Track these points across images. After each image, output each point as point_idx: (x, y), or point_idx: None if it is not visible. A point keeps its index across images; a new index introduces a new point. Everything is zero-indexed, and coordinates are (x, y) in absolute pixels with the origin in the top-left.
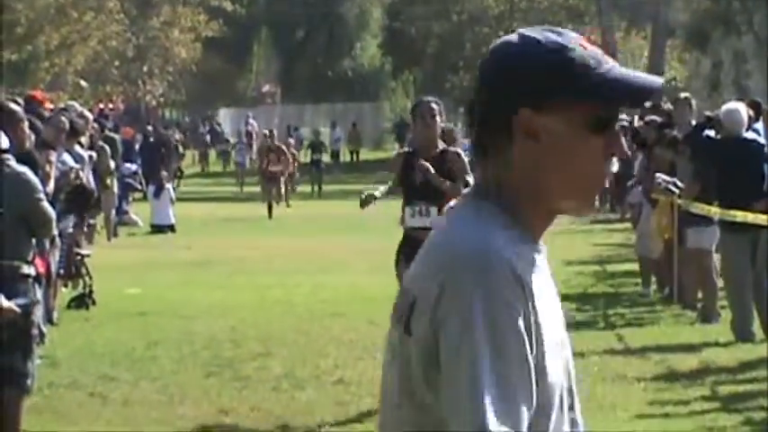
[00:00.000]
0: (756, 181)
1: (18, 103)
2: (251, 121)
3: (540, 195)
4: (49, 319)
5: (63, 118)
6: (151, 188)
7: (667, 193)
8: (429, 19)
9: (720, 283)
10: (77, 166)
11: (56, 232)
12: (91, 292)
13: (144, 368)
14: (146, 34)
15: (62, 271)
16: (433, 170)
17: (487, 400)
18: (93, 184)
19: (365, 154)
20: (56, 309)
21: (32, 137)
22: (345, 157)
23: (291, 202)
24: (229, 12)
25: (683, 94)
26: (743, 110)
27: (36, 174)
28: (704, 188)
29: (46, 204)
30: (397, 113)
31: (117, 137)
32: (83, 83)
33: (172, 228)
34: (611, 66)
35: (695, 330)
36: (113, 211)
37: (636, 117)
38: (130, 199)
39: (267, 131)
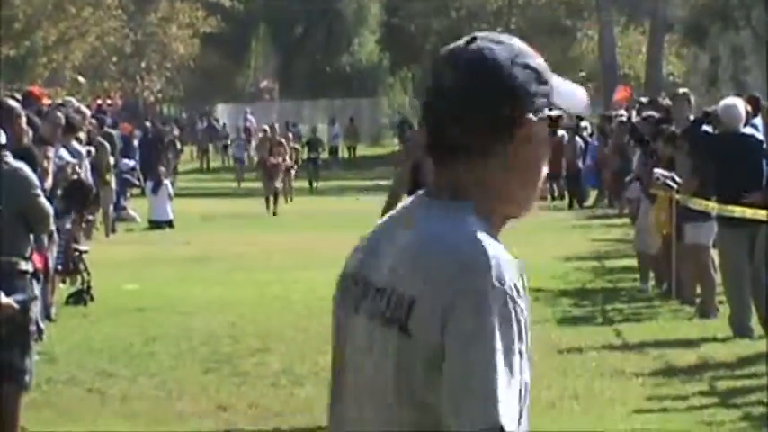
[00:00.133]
0: (754, 176)
1: (16, 99)
2: (249, 117)
3: (514, 198)
4: (47, 315)
5: (59, 113)
6: (149, 184)
7: (666, 189)
8: (427, 15)
9: (719, 278)
10: (74, 161)
11: (54, 228)
12: (89, 288)
13: (142, 364)
14: (143, 30)
15: (60, 267)
16: None
17: (502, 403)
18: (90, 180)
19: (362, 150)
20: (54, 305)
21: (30, 133)
22: (343, 153)
23: (289, 199)
24: (227, 8)
25: (681, 90)
26: (740, 105)
27: (35, 170)
28: (702, 183)
29: (43, 200)
30: (395, 110)
31: (115, 133)
32: (80, 79)
33: (170, 224)
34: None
35: (693, 326)
36: (111, 207)
37: (634, 113)
38: (128, 195)
39: (267, 127)
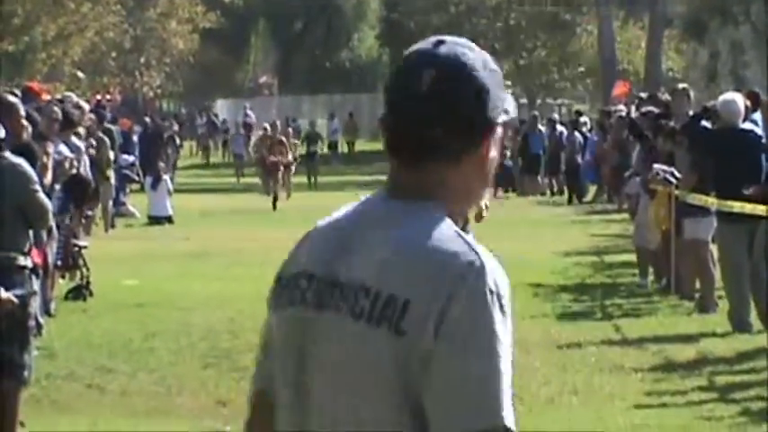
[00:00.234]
0: (753, 171)
1: (15, 95)
2: (248, 112)
3: (473, 196)
4: (46, 311)
5: (55, 108)
6: (148, 179)
7: (665, 184)
8: (427, 10)
9: (718, 273)
10: (72, 155)
11: (53, 224)
12: (88, 283)
13: (141, 359)
14: (143, 25)
15: (59, 262)
16: None
17: (505, 404)
18: (89, 175)
19: (362, 145)
20: (53, 300)
21: (30, 128)
22: (342, 148)
23: (287, 196)
24: (227, 3)
25: (680, 85)
26: (739, 100)
27: (34, 165)
28: (701, 179)
29: (42, 196)
30: None
31: (114, 128)
32: (80, 74)
33: (169, 219)
34: None
35: (692, 321)
36: (111, 203)
37: (633, 108)
38: (128, 190)
39: (268, 124)
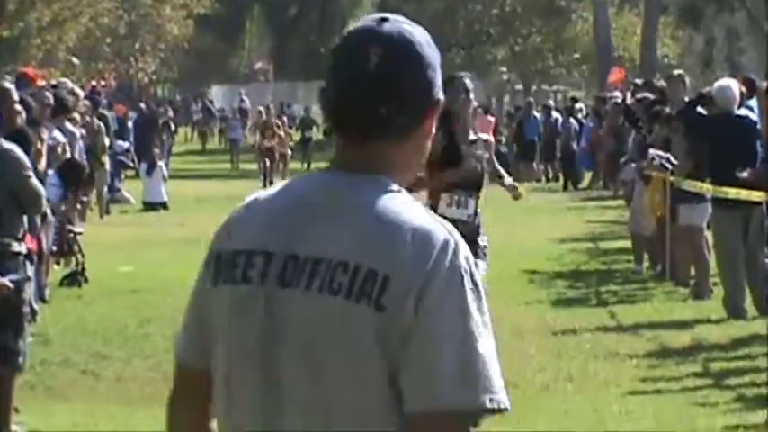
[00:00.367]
0: (748, 157)
1: (10, 81)
2: (243, 98)
3: (412, 171)
4: (41, 297)
5: (47, 93)
6: (143, 166)
7: (660, 170)
8: None
9: (713, 259)
10: (64, 140)
11: (48, 209)
12: (83, 269)
13: (137, 345)
14: (137, 11)
15: (54, 248)
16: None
17: (496, 376)
18: (84, 160)
19: None
20: (48, 286)
21: (24, 114)
22: None
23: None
24: None
25: (676, 72)
26: (735, 87)
27: (28, 151)
28: (697, 165)
29: (35, 181)
30: None
31: (109, 114)
32: (74, 60)
33: (164, 205)
34: None
35: (687, 307)
36: (105, 189)
37: (628, 94)
38: (123, 177)
39: (263, 108)
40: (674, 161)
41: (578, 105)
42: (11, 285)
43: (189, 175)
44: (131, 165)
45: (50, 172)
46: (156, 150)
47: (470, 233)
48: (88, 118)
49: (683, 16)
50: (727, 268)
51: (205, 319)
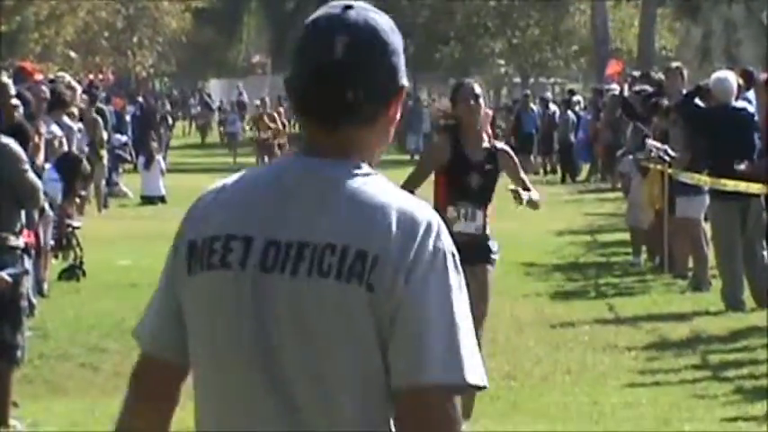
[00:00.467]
0: (746, 149)
1: (8, 75)
2: (242, 91)
3: (376, 155)
4: (39, 291)
5: (43, 87)
6: (141, 159)
7: (659, 162)
8: None
9: (711, 251)
10: (61, 134)
11: (46, 204)
12: (81, 263)
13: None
14: (135, 5)
15: (53, 242)
16: (526, 197)
17: (468, 359)
18: (81, 154)
19: None
20: (46, 280)
21: (21, 108)
22: None
23: None
24: None
25: (674, 64)
26: (732, 78)
27: (27, 145)
28: (694, 157)
29: (32, 175)
30: None
31: (107, 108)
32: (72, 54)
33: (162, 199)
34: None
35: (686, 299)
36: (103, 183)
37: (626, 86)
38: (120, 170)
39: (259, 100)
40: (672, 153)
41: (576, 98)
42: (8, 279)
43: (187, 169)
44: (129, 159)
45: (48, 166)
46: (154, 144)
47: (480, 241)
48: (93, 113)
49: (680, 8)
50: (725, 260)
51: (178, 310)
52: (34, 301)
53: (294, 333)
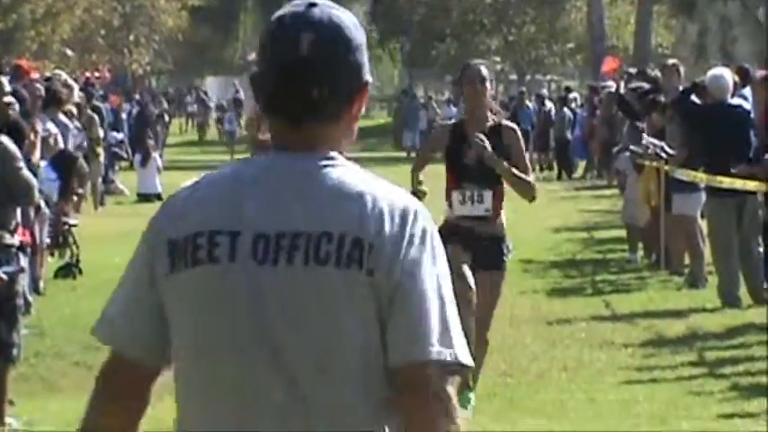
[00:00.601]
0: (742, 146)
1: (3, 73)
2: (238, 89)
3: (343, 150)
4: (35, 289)
5: (38, 85)
6: (137, 157)
7: (655, 158)
8: None
9: (708, 248)
10: (56, 131)
11: (41, 201)
12: (78, 261)
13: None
14: (132, 3)
15: (49, 240)
16: (490, 147)
17: (459, 339)
18: (79, 153)
19: None
20: (42, 278)
21: (17, 106)
22: None
23: None
24: None
25: (670, 61)
26: (728, 76)
27: (22, 142)
28: (691, 154)
29: (26, 172)
30: (383, 82)
31: (103, 106)
32: (69, 52)
33: (159, 196)
34: None
35: (682, 296)
36: (100, 180)
37: (622, 84)
38: (117, 168)
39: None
40: (669, 150)
41: (572, 95)
42: (4, 277)
43: (184, 167)
44: (126, 156)
45: (43, 163)
46: (151, 142)
47: (493, 232)
48: (90, 111)
49: (676, 5)
50: (721, 257)
51: (156, 310)
52: (30, 298)
53: (294, 323)
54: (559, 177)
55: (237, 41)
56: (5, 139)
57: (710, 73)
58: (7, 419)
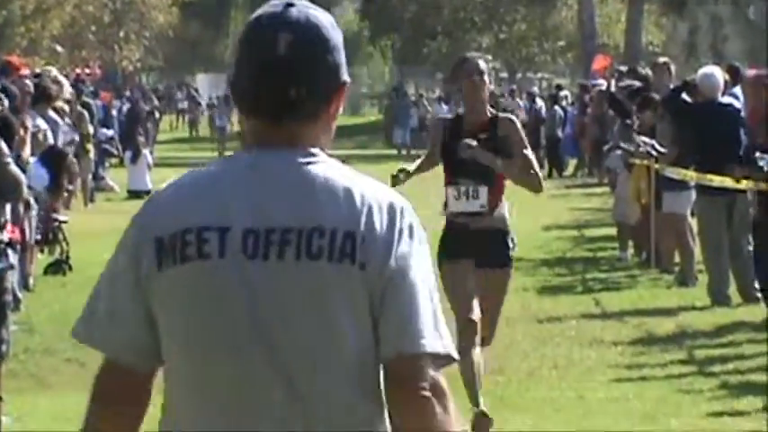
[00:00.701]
0: (733, 145)
1: None
2: None
3: (323, 147)
4: (25, 286)
5: (27, 81)
6: (128, 154)
7: (647, 156)
8: None
9: (698, 247)
10: (45, 127)
11: (31, 198)
12: (67, 257)
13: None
14: None
15: (39, 237)
16: (476, 145)
17: (446, 332)
18: (68, 149)
19: (342, 119)
20: (32, 275)
21: (6, 102)
22: None
23: None
24: None
25: (661, 59)
26: (718, 74)
27: (12, 138)
28: (681, 152)
29: (14, 168)
30: (374, 79)
31: (94, 102)
32: (59, 48)
33: (149, 193)
34: None
35: (672, 294)
36: (90, 177)
37: (613, 82)
38: (107, 165)
39: None
40: (659, 148)
41: (563, 93)
42: None
43: (174, 164)
44: (116, 153)
45: (33, 160)
46: (141, 138)
47: (494, 225)
48: (80, 108)
49: (667, 3)
50: (711, 255)
51: (144, 312)
52: (20, 295)
53: (288, 319)
54: (550, 175)
55: (228, 38)
56: None
57: (701, 71)
58: (2, 418)
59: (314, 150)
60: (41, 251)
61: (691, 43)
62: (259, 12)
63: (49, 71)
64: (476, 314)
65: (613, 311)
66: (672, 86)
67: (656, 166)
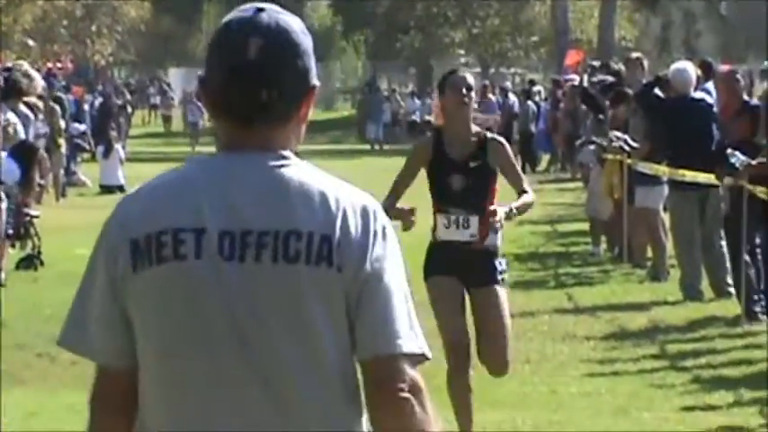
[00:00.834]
0: (705, 140)
1: None
2: None
3: (292, 150)
4: None
5: None
6: (100, 148)
7: (619, 151)
8: None
9: (670, 241)
10: (16, 120)
11: (2, 193)
12: (39, 252)
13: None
14: None
15: (10, 232)
16: (502, 218)
17: (420, 332)
18: (38, 143)
19: (315, 114)
20: (3, 270)
21: None
22: None
23: None
24: None
25: (634, 54)
26: (691, 69)
27: None
28: (654, 147)
29: None
30: (347, 74)
31: (65, 97)
32: (30, 42)
33: (121, 188)
34: None
35: (644, 289)
36: (62, 172)
37: (585, 77)
38: (79, 159)
39: None
40: (632, 143)
41: (536, 88)
42: None
43: (147, 158)
44: (88, 147)
45: (3, 154)
46: (113, 133)
47: (483, 258)
48: (51, 102)
49: None
50: (683, 250)
51: (123, 312)
52: None
53: (264, 321)
54: (523, 170)
55: (201, 33)
56: None
57: (674, 66)
58: None
59: (285, 153)
60: (13, 246)
61: (664, 39)
62: (230, 16)
63: (21, 65)
64: (462, 333)
65: (586, 306)
66: (644, 81)
67: (629, 161)
